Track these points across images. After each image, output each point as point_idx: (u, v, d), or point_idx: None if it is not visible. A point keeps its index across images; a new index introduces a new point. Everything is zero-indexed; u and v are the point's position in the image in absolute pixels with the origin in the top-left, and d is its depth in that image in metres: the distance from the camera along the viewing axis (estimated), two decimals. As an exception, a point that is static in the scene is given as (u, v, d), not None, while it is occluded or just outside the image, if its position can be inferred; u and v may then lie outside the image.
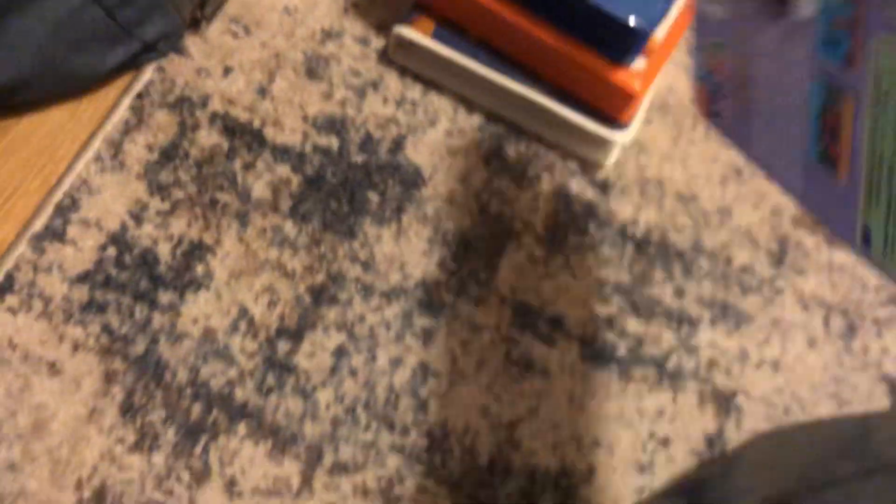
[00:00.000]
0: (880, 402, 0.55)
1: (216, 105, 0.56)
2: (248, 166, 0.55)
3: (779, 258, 0.58)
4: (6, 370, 0.48)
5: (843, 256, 0.59)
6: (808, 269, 0.58)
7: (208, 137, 0.56)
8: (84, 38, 0.52)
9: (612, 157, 0.58)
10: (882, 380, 0.56)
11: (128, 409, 0.48)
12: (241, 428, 0.49)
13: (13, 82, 0.51)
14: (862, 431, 0.45)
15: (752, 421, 0.53)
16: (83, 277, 0.51)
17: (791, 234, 0.59)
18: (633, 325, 0.55)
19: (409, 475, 0.49)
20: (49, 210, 0.52)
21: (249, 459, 0.48)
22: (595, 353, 0.53)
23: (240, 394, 0.49)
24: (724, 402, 0.54)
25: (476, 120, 0.59)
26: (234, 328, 0.51)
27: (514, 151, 0.58)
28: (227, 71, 0.57)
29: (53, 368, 0.48)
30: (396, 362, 0.51)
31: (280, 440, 0.49)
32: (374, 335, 0.52)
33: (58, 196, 0.52)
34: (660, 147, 0.60)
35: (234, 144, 0.56)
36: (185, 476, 0.47)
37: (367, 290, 0.53)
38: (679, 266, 0.57)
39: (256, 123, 0.56)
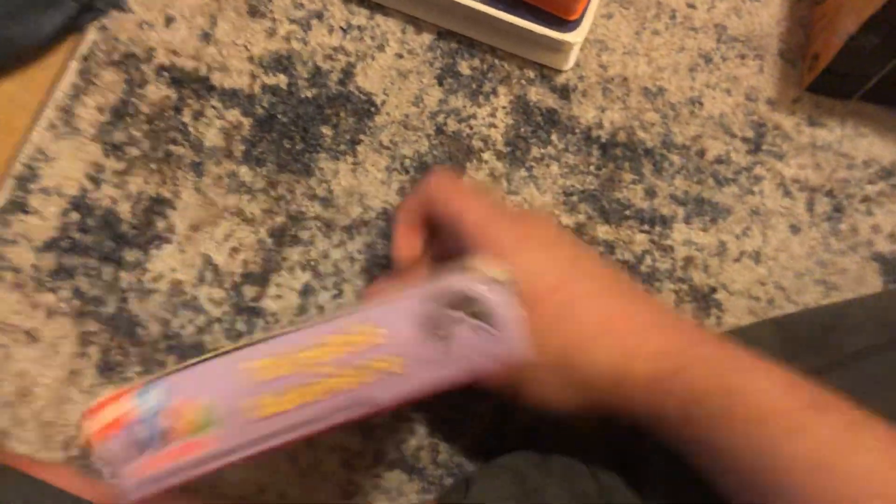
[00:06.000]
0: (871, 283, 0.53)
1: (161, 57, 0.56)
2: (197, 115, 0.55)
3: (756, 145, 0.56)
4: (-14, 342, 0.50)
5: (826, 134, 0.56)
6: (788, 152, 0.56)
7: (156, 91, 0.55)
8: (17, 5, 0.52)
9: (570, 61, 0.56)
10: (873, 259, 0.54)
11: (105, 368, 0.50)
12: (216, 374, 0.50)
13: (-47, 61, 0.51)
14: (830, 322, 0.44)
15: (734, 316, 0.52)
16: (49, 245, 0.52)
17: (768, 117, 0.56)
18: (602, 231, 0.53)
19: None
20: (10, 183, 0.53)
21: (226, 404, 0.49)
22: (564, 265, 0.52)
23: (210, 341, 0.50)
24: (703, 300, 0.52)
25: (426, 38, 0.57)
26: (200, 279, 0.51)
27: (467, 67, 0.57)
28: (168, 20, 0.57)
29: (31, 336, 0.50)
30: (363, 295, 0.51)
31: (254, 383, 0.50)
32: (338, 270, 0.52)
33: (17, 168, 0.53)
34: (622, 42, 0.58)
35: (182, 95, 0.55)
36: (166, 426, 0.49)
37: (328, 227, 0.53)
38: (648, 165, 0.55)
39: (203, 71, 0.56)
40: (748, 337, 0.47)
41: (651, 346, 0.36)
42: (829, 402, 0.33)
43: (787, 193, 0.55)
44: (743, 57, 0.57)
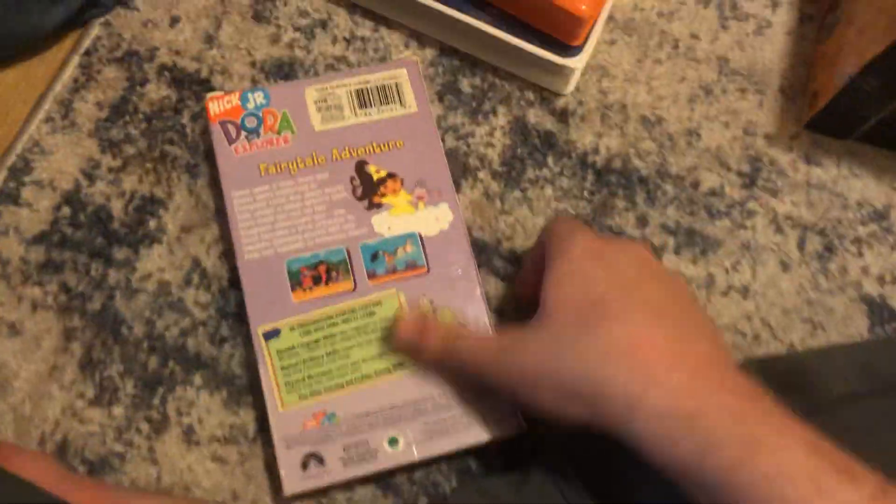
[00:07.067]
0: (858, 324, 0.53)
1: (163, 57, 0.56)
2: (196, 117, 0.55)
3: (751, 179, 0.56)
4: (-30, 332, 0.50)
5: (822, 173, 0.56)
6: (783, 188, 0.56)
7: (157, 90, 0.55)
8: (21, -1, 0.52)
9: (570, 85, 0.56)
10: (861, 301, 0.54)
11: (87, 365, 0.50)
12: (197, 378, 0.50)
13: (-46, 49, 0.51)
14: (812, 366, 0.44)
15: (718, 349, 0.52)
16: (39, 238, 0.52)
17: (765, 152, 0.56)
18: (593, 257, 0.53)
19: (362, 418, 0.49)
20: (3, 174, 0.53)
21: (206, 409, 0.49)
22: (552, 288, 0.52)
23: (194, 345, 0.50)
24: (689, 332, 0.52)
25: (429, 54, 0.57)
26: (187, 281, 0.51)
27: (469, 85, 0.57)
28: (173, 21, 0.57)
29: (13, 329, 0.50)
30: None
31: (235, 389, 0.49)
32: (327, 281, 0.52)
33: (11, 159, 0.53)
34: (623, 69, 0.58)
35: (182, 96, 0.55)
36: (145, 427, 0.49)
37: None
38: (642, 193, 0.55)
39: (204, 73, 0.56)
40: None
41: (673, 380, 0.35)
42: (856, 469, 0.32)
43: (779, 230, 0.55)
44: (743, 91, 0.58)
